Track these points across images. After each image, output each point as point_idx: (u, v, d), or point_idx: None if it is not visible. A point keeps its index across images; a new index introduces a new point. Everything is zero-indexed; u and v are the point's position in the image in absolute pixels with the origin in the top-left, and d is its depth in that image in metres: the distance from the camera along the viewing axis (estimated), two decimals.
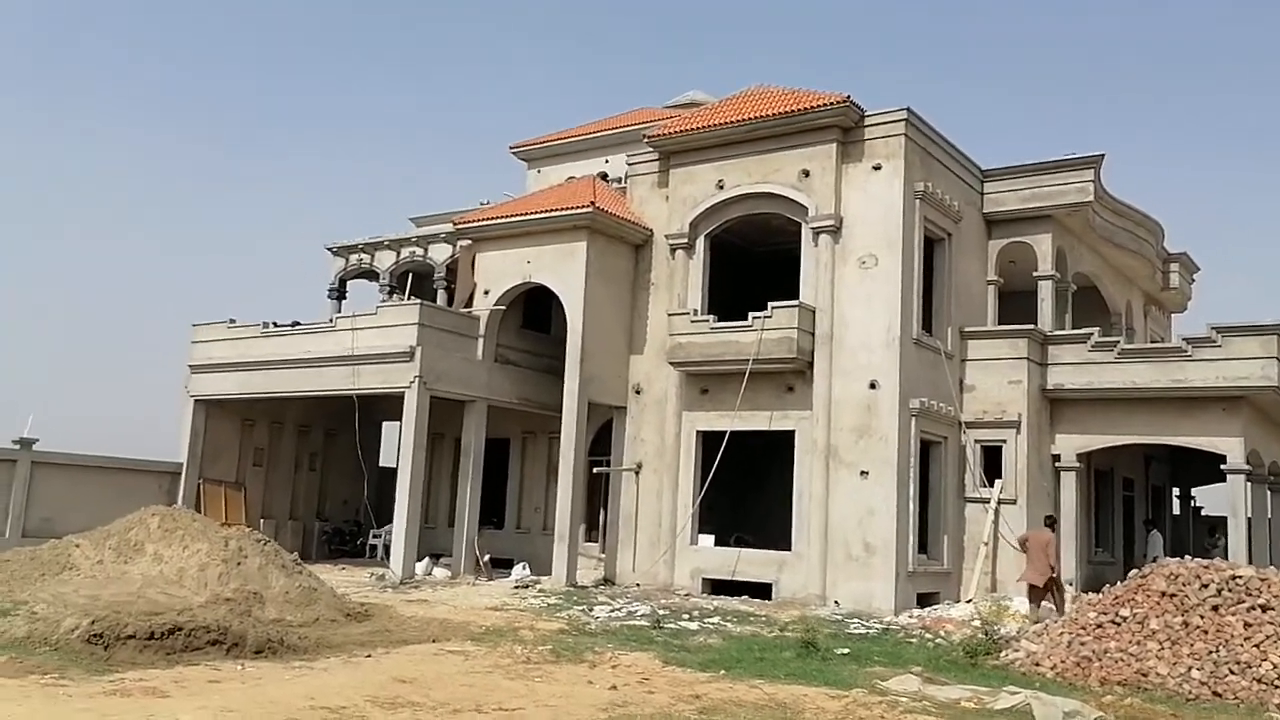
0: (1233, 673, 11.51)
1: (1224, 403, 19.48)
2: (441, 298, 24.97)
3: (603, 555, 21.85)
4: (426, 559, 21.31)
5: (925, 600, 18.77)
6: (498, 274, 22.39)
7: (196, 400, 24.38)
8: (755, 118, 20.43)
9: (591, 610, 16.59)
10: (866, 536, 18.42)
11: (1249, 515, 19.78)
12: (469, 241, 23.15)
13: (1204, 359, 19.33)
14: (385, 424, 27.60)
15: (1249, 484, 19.68)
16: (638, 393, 21.74)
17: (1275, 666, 11.42)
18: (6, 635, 10.63)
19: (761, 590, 19.26)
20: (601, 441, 22.32)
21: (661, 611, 16.46)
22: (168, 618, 10.62)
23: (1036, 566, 16.18)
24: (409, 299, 22.94)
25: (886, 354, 18.91)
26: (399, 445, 24.28)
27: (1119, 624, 12.76)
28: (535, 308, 23.95)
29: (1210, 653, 11.84)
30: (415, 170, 79.05)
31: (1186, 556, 13.89)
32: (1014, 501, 19.88)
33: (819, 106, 19.77)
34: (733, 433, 19.99)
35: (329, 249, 27.38)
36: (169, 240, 69.80)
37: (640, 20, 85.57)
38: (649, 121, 25.21)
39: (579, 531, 21.22)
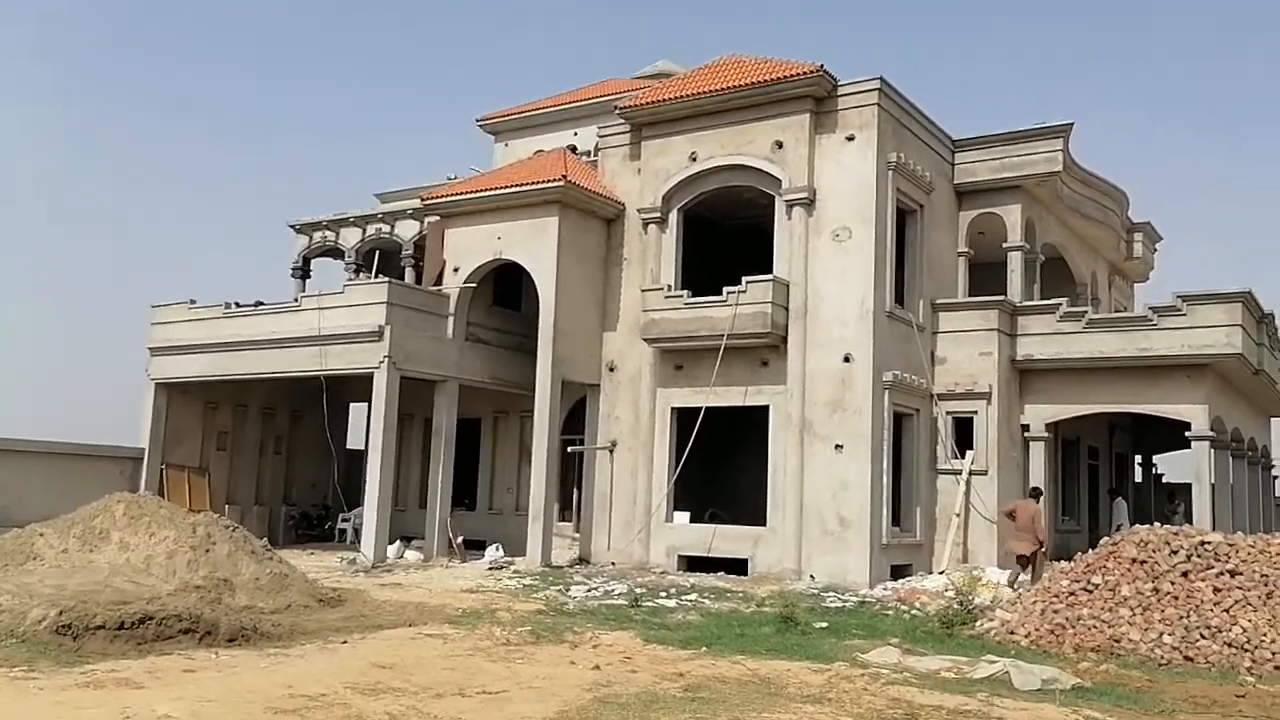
0: (1203, 637, 11.66)
1: (1189, 370, 19.66)
2: (409, 275, 24.65)
3: (577, 535, 21.78)
4: (398, 542, 21.12)
5: (898, 572, 18.87)
6: (467, 251, 22.12)
7: (157, 383, 23.93)
8: (728, 88, 20.24)
9: (568, 590, 16.51)
10: (841, 510, 18.44)
11: (1212, 481, 20.01)
12: (437, 218, 22.84)
13: (1169, 327, 19.50)
14: (352, 405, 27.31)
15: (1213, 450, 19.90)
16: (611, 370, 21.60)
17: (1244, 631, 11.57)
18: None
19: (737, 566, 19.26)
20: (574, 420, 22.19)
21: (639, 590, 16.41)
22: (137, 607, 10.41)
23: (1023, 537, 16.30)
24: (376, 277, 22.60)
25: (860, 327, 18.89)
26: (368, 427, 24.03)
27: (1091, 591, 12.88)
28: (506, 285, 23.70)
29: (1181, 618, 11.98)
30: (378, 145, 78.19)
31: (1156, 525, 13.99)
32: (985, 472, 20.00)
33: (792, 76, 19.61)
34: (707, 409, 19.92)
35: (292, 226, 26.94)
36: (123, 220, 68.61)
37: None
38: (618, 93, 24.93)
39: (553, 511, 21.10)
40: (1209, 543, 12.82)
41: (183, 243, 69.01)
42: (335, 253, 26.75)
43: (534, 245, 21.25)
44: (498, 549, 20.96)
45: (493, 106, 30.65)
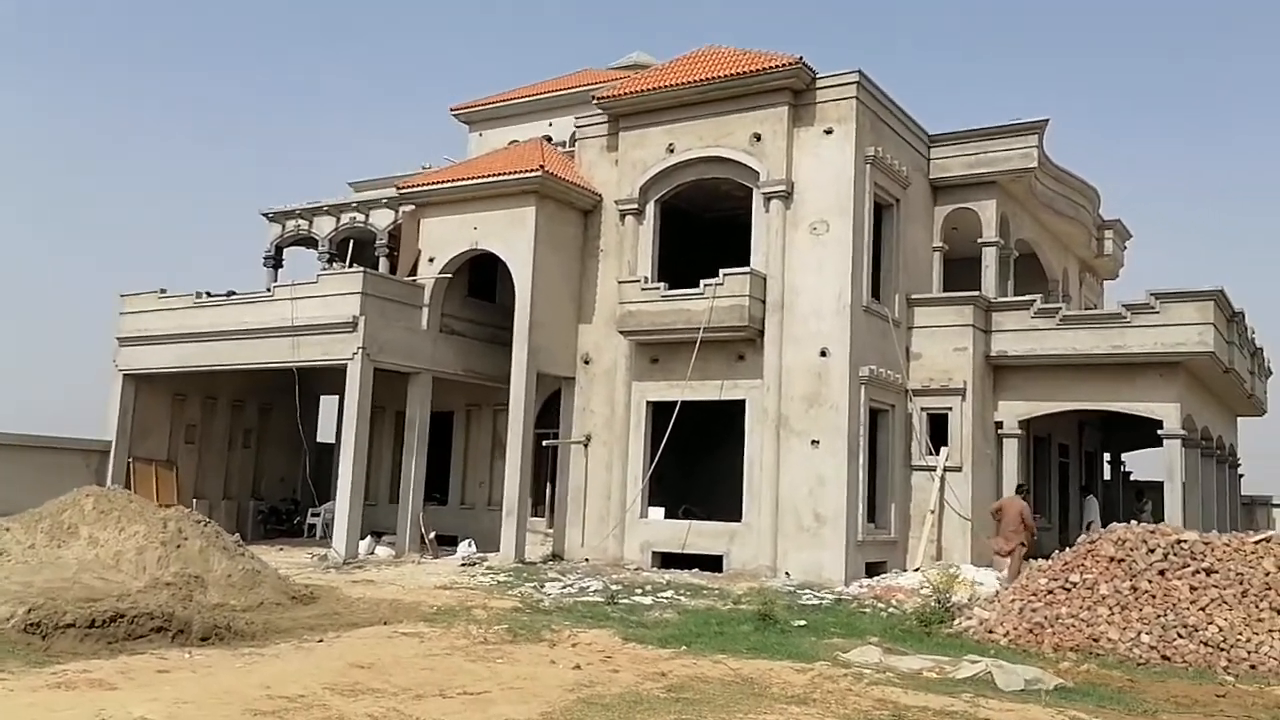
0: (1180, 636, 11.71)
1: (1161, 368, 19.77)
2: (383, 265, 24.39)
3: (550, 530, 21.62)
4: (369, 537, 20.88)
5: (873, 569, 18.86)
6: (443, 241, 21.88)
7: (125, 374, 23.53)
8: (707, 79, 20.12)
9: (543, 587, 16.38)
10: (817, 506, 18.42)
11: (1183, 480, 20.17)
12: (412, 207, 22.59)
13: (1143, 325, 19.59)
14: (323, 398, 26.98)
15: (1183, 449, 20.04)
16: (586, 363, 21.45)
17: (1221, 630, 11.63)
18: None
19: (712, 563, 19.18)
20: (549, 413, 22.02)
21: (614, 587, 16.31)
22: (108, 604, 10.17)
23: (1009, 534, 16.37)
24: (351, 267, 22.31)
25: (837, 321, 18.85)
26: (338, 420, 23.75)
27: (1069, 590, 12.90)
28: (480, 276, 23.50)
29: (1159, 617, 12.03)
30: (350, 134, 77.38)
31: (1131, 523, 14.06)
32: (959, 469, 20.04)
33: (771, 68, 19.51)
34: (683, 403, 19.83)
35: (265, 215, 26.56)
36: (89, 208, 67.51)
37: None
38: (593, 84, 24.78)
39: (527, 506, 20.92)
40: (1185, 541, 12.88)
41: (150, 232, 68.02)
42: (308, 242, 26.41)
43: (510, 236, 21.05)
44: (470, 545, 20.76)
45: (464, 96, 30.41)
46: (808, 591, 16.59)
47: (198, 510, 16.75)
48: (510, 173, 21.02)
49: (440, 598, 14.75)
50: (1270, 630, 11.45)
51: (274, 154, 75.19)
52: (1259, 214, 70.38)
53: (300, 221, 26.19)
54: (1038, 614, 12.61)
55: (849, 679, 9.81)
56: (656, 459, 20.08)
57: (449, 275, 21.88)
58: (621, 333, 20.47)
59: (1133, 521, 14.38)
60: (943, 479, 19.94)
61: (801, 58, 19.37)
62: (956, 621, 13.21)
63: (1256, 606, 11.76)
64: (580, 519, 20.88)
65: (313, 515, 24.97)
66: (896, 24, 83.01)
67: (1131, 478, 30.09)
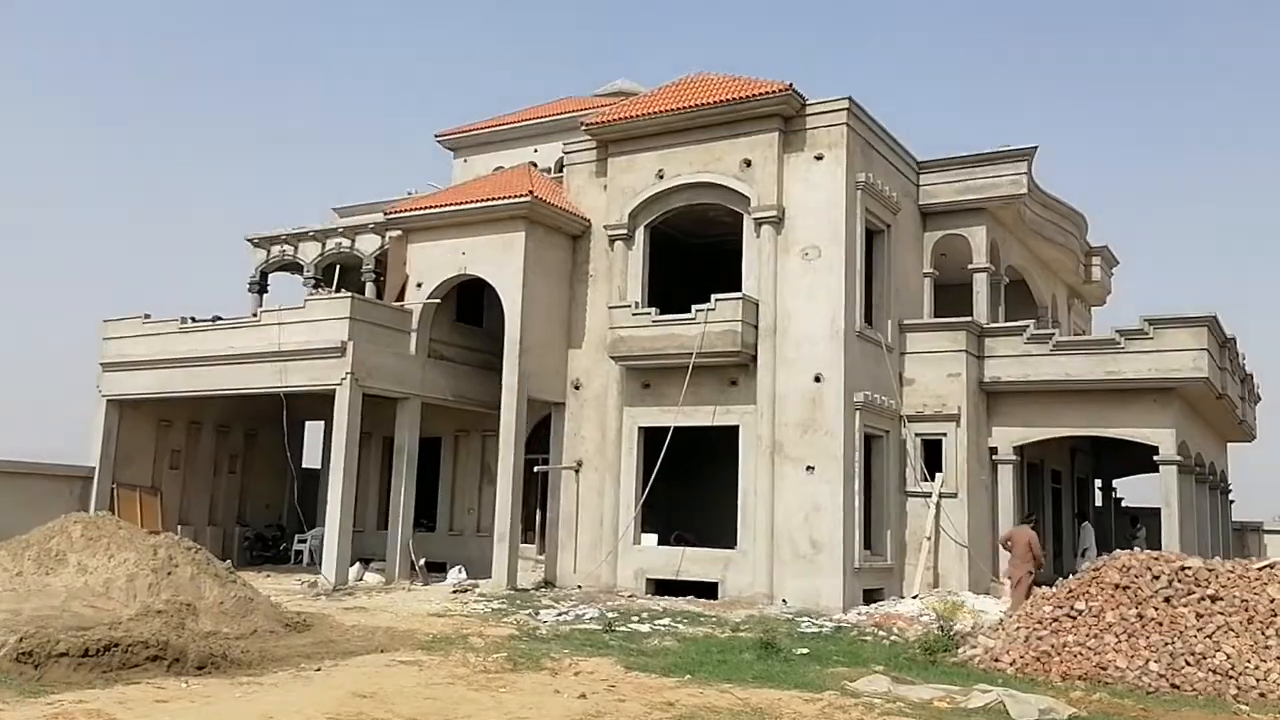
0: (1189, 664, 11.59)
1: (1155, 394, 19.81)
2: (370, 290, 24.16)
3: (541, 556, 21.36)
4: (357, 564, 20.58)
5: (870, 596, 18.70)
6: (431, 266, 21.71)
7: (109, 400, 23.17)
8: (696, 105, 20.11)
9: (538, 614, 16.12)
10: (813, 533, 18.26)
11: (1179, 506, 20.11)
12: (400, 232, 22.42)
13: (1137, 351, 19.63)
14: (308, 424, 26.65)
15: (1179, 475, 20.03)
16: (577, 388, 21.28)
17: (1229, 657, 11.53)
18: None
19: (706, 590, 18.96)
20: (537, 439, 21.79)
21: (611, 614, 16.07)
22: (101, 633, 9.88)
23: (1019, 565, 16.29)
24: (338, 292, 22.09)
25: (831, 346, 18.78)
26: (323, 446, 23.45)
27: (1075, 618, 12.78)
28: (468, 301, 23.32)
29: (1166, 645, 11.90)
30: (332, 161, 77.20)
31: (1125, 550, 13.96)
32: (955, 495, 19.96)
33: (761, 95, 19.53)
34: (675, 428, 19.67)
35: (250, 240, 26.30)
36: (74, 233, 66.95)
37: (562, 10, 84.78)
38: (577, 111, 24.76)
39: (518, 532, 20.66)
40: (1189, 568, 12.80)
41: (132, 257, 67.49)
42: (293, 267, 26.17)
43: (500, 261, 20.92)
44: (460, 571, 20.47)
45: (442, 124, 30.30)
46: (806, 619, 16.40)
47: (182, 537, 16.46)
48: (500, 198, 20.91)
49: (435, 625, 14.48)
50: (1278, 657, 11.36)
51: (256, 179, 74.93)
52: (1243, 239, 71.19)
53: (285, 247, 25.96)
54: (1044, 642, 12.47)
55: (860, 709, 9.63)
56: (649, 485, 19.88)
57: (438, 300, 21.71)
58: (612, 358, 20.33)
59: (1129, 548, 14.30)
60: (938, 505, 19.84)
61: (791, 84, 19.40)
62: (961, 650, 13.06)
63: (1263, 634, 11.68)
64: (572, 545, 20.65)
65: (299, 541, 24.59)
66: (879, 48, 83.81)
67: (1123, 504, 30.10)
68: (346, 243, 25.09)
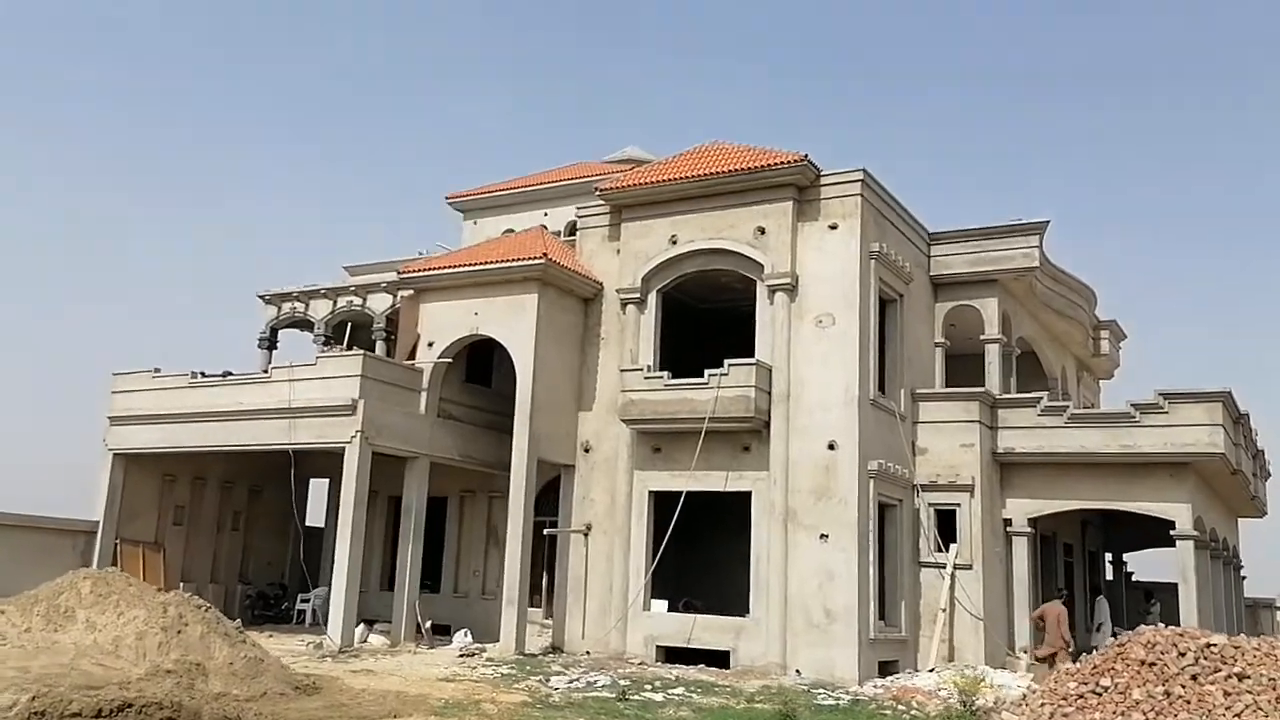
0: None
1: (1170, 469, 19.69)
2: (380, 349, 24.14)
3: (548, 620, 21.05)
4: (362, 625, 20.23)
5: (885, 669, 18.39)
6: (443, 326, 21.71)
7: (115, 454, 23.02)
8: (711, 174, 20.29)
9: (549, 681, 15.83)
10: (827, 602, 18.01)
11: (1195, 581, 19.89)
12: (411, 291, 22.46)
13: (1152, 425, 19.55)
14: (311, 481, 26.46)
15: (1195, 549, 19.83)
16: (587, 451, 21.15)
17: None
18: None
19: (718, 658, 18.63)
20: (546, 501, 21.60)
21: (623, 682, 15.78)
22: (113, 693, 9.65)
23: (1052, 640, 16.12)
24: (349, 350, 22.07)
25: (845, 414, 18.70)
26: (328, 503, 23.24)
27: (1100, 694, 12.51)
28: (478, 361, 23.31)
29: None
30: (341, 222, 77.68)
31: (1147, 626, 13.76)
32: (969, 566, 19.73)
33: (775, 165, 19.72)
34: (685, 493, 19.51)
35: (261, 297, 26.35)
36: (84, 288, 67.13)
37: (572, 77, 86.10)
38: (588, 177, 25.05)
39: (526, 596, 20.38)
40: (1215, 645, 12.57)
41: (142, 312, 67.64)
42: (304, 324, 26.19)
43: (512, 322, 20.93)
44: (466, 635, 20.15)
45: (451, 186, 30.50)
46: (822, 690, 16.10)
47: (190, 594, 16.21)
48: (514, 259, 21.00)
49: (445, 690, 14.20)
50: None
51: (267, 239, 75.32)
52: (1251, 317, 71.49)
53: (296, 304, 26.00)
54: (1069, 719, 12.22)
55: None
56: (661, 550, 19.65)
57: (449, 360, 21.68)
58: (624, 421, 20.24)
59: (1142, 625, 14.12)
60: (953, 576, 19.60)
61: (806, 155, 19.60)
62: None
63: None
64: (580, 610, 20.36)
65: (303, 601, 24.24)
66: (885, 122, 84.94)
67: (1134, 578, 29.80)
68: (358, 301, 25.13)
